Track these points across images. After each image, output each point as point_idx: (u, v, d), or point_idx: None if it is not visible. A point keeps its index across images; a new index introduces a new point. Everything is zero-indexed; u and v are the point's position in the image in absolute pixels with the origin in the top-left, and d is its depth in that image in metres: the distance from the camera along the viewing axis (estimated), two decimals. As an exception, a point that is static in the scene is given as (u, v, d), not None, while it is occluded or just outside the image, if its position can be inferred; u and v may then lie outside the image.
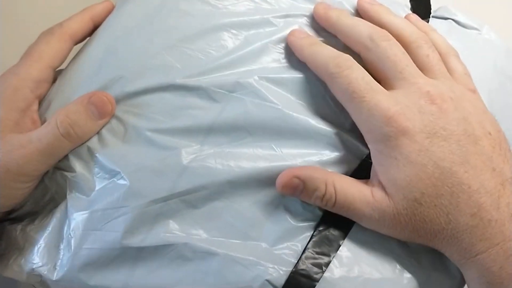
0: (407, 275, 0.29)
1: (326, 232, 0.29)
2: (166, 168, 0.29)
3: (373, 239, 0.29)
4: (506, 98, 0.35)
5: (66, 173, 0.31)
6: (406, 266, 0.29)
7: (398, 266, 0.29)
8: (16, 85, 0.32)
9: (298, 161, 0.29)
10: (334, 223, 0.29)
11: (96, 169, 0.30)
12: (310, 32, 0.32)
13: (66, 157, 0.31)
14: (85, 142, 0.31)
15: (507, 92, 0.35)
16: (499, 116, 0.30)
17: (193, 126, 0.30)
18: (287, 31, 0.32)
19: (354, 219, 0.29)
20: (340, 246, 0.28)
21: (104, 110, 0.30)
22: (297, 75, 0.31)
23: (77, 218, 0.30)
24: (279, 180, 0.28)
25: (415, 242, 0.28)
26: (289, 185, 0.28)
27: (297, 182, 0.28)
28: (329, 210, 0.28)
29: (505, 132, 0.29)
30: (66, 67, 0.34)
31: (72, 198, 0.30)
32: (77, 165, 0.31)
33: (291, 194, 0.28)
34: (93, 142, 0.31)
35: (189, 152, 0.29)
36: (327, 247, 0.28)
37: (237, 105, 0.30)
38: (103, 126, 0.30)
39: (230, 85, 0.30)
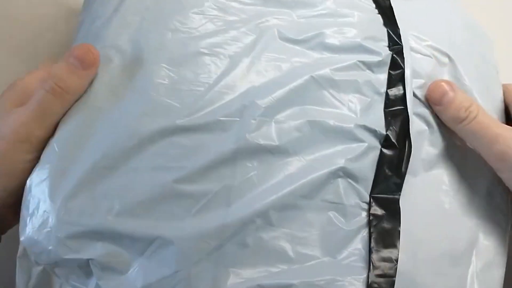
0: (463, 243, 0.30)
1: (382, 224, 0.28)
2: (209, 217, 0.26)
3: (420, 218, 0.29)
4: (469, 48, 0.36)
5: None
6: (458, 234, 0.30)
7: (451, 236, 0.30)
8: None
9: (326, 169, 0.28)
10: (384, 213, 0.28)
11: (127, 241, 0.27)
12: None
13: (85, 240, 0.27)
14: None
15: (471, 43, 0.36)
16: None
17: (216, 162, 0.27)
18: (265, 37, 0.31)
19: (484, 142, 0.30)
20: (400, 233, 0.28)
21: (85, 59, 0.29)
22: (295, 82, 0.30)
23: None
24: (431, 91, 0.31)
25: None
26: (440, 90, 0.31)
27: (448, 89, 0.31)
28: (463, 125, 0.30)
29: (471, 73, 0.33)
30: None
31: (105, 283, 0.27)
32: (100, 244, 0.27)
33: (437, 100, 0.31)
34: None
35: (225, 192, 0.27)
36: (390, 239, 0.28)
37: (250, 127, 0.28)
38: (91, 78, 0.30)
39: (237, 111, 0.28)
